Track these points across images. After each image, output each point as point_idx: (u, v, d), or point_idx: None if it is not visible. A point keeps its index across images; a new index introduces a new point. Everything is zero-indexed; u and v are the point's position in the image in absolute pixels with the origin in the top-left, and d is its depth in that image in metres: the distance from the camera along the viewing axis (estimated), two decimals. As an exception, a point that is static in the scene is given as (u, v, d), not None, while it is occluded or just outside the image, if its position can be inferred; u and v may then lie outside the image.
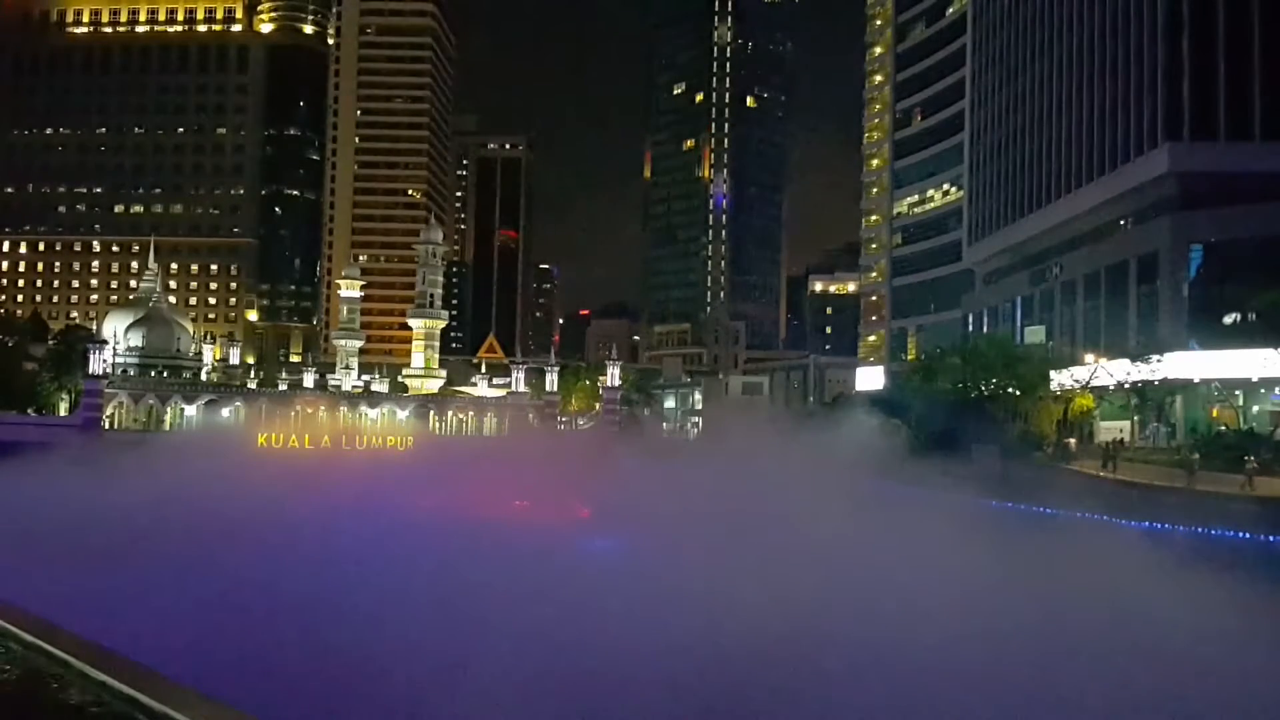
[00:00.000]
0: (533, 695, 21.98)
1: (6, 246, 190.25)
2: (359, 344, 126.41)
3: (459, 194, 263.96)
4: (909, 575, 31.67)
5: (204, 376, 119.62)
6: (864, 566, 32.28)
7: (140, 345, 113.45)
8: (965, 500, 47.03)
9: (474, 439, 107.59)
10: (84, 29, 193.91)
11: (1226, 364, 60.97)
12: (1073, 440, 63.16)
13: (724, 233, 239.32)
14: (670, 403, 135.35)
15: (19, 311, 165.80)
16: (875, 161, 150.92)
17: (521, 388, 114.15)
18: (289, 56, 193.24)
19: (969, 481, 48.13)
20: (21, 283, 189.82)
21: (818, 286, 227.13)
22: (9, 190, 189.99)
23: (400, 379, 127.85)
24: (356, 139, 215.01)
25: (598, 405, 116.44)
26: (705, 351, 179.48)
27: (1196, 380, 62.63)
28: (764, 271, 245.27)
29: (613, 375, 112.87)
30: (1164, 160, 73.84)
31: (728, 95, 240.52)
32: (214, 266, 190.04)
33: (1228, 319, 66.85)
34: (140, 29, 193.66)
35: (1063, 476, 51.37)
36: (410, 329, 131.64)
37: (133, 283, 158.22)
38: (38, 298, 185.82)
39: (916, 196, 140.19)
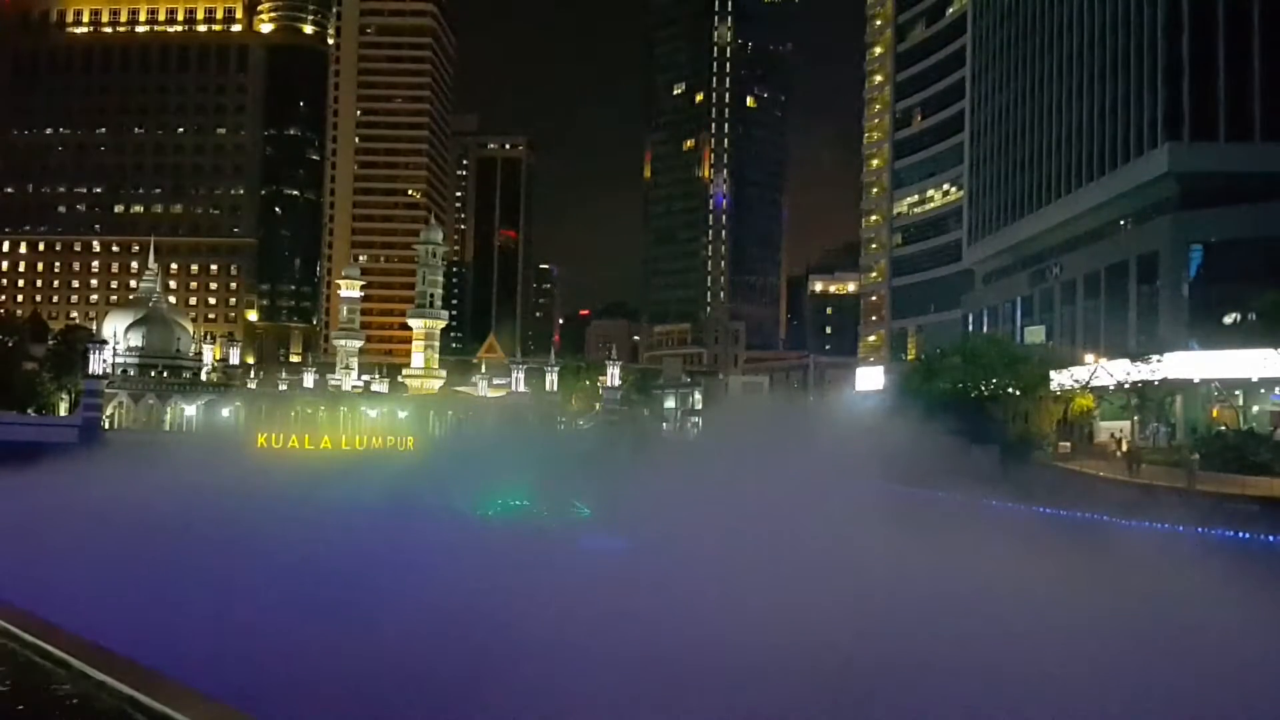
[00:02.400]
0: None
1: (6, 246, 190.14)
2: (359, 344, 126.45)
3: (459, 194, 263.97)
4: (945, 579, 31.29)
5: (204, 376, 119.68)
6: (908, 577, 31.81)
7: (140, 345, 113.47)
8: (976, 502, 47.02)
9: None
10: (84, 29, 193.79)
11: (1226, 364, 60.88)
12: (1122, 439, 61.50)
13: (724, 233, 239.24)
14: (670, 403, 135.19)
15: (19, 311, 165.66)
16: (875, 161, 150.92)
17: (521, 388, 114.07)
18: (289, 56, 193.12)
19: (976, 483, 47.98)
20: (21, 283, 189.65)
21: (818, 286, 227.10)
22: (9, 190, 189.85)
23: (400, 379, 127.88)
24: (356, 139, 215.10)
25: (598, 405, 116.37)
26: (705, 351, 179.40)
27: (1196, 380, 62.56)
28: (764, 271, 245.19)
29: (613, 375, 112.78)
30: (1164, 160, 73.85)
31: (728, 95, 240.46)
32: (214, 266, 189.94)
33: (1228, 319, 66.82)
34: (140, 29, 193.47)
35: (1072, 478, 51.25)
36: (410, 329, 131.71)
37: (133, 283, 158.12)
38: (38, 298, 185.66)
39: (916, 196, 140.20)
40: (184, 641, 22.23)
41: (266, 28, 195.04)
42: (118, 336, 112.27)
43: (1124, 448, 57.83)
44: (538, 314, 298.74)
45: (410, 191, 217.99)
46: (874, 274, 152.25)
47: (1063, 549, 35.69)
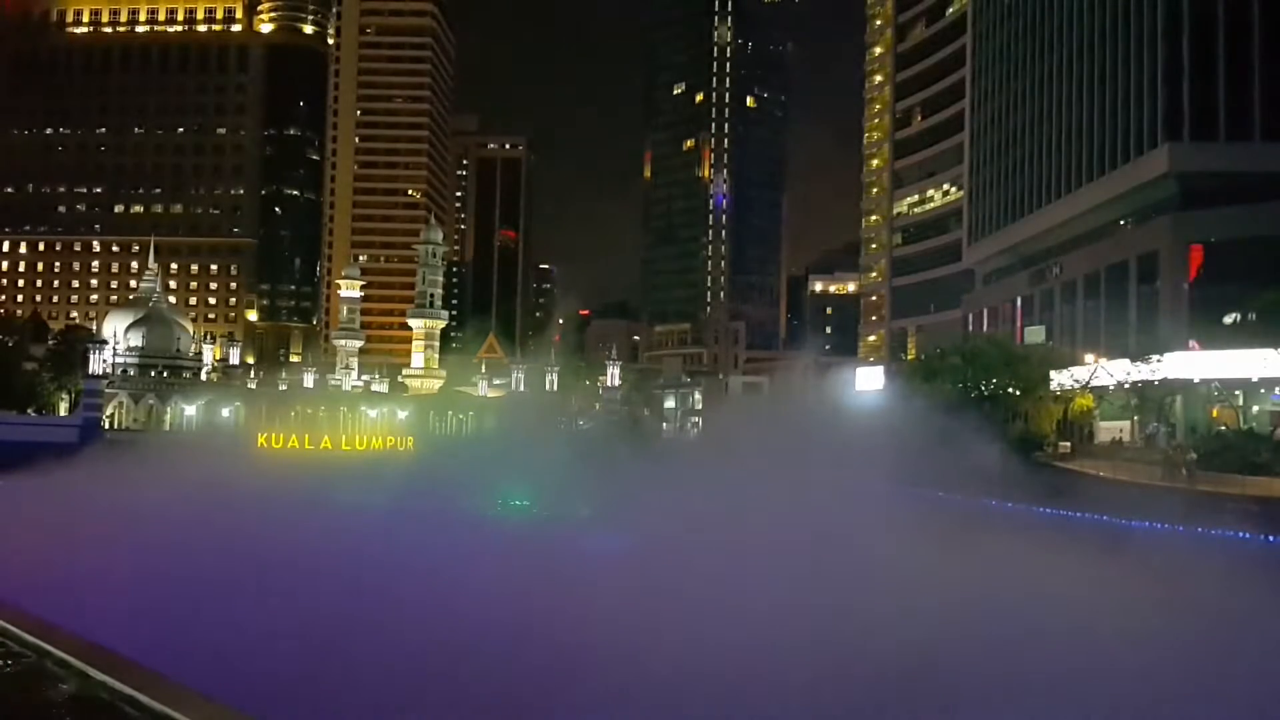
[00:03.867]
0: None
1: (6, 246, 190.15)
2: (359, 344, 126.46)
3: (459, 194, 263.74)
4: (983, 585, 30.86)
5: (204, 376, 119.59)
6: (929, 579, 31.32)
7: (140, 345, 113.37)
8: (978, 502, 46.92)
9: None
10: (84, 29, 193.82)
11: (1226, 364, 60.94)
12: (1175, 444, 59.11)
13: (724, 233, 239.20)
14: (670, 403, 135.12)
15: (19, 311, 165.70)
16: (875, 161, 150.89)
17: (522, 388, 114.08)
18: (289, 56, 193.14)
19: (977, 483, 47.83)
20: (21, 283, 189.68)
21: (818, 286, 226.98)
22: (9, 190, 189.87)
23: (400, 379, 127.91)
24: (356, 139, 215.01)
25: (598, 405, 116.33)
26: (705, 351, 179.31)
27: (1196, 380, 62.60)
28: (764, 271, 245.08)
29: (613, 375, 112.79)
30: (1164, 160, 73.85)
31: (728, 95, 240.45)
32: (214, 266, 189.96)
33: (1228, 319, 66.81)
34: (140, 29, 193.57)
35: (1075, 479, 51.10)
36: (410, 329, 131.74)
37: (133, 283, 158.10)
38: (38, 298, 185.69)
39: (916, 196, 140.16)
40: (219, 656, 22.04)
41: (266, 28, 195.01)
42: (118, 336, 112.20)
43: (1172, 450, 54.97)
44: (538, 314, 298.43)
45: (410, 191, 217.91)
46: (874, 274, 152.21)
47: (1072, 550, 35.51)
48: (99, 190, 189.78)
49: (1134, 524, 39.44)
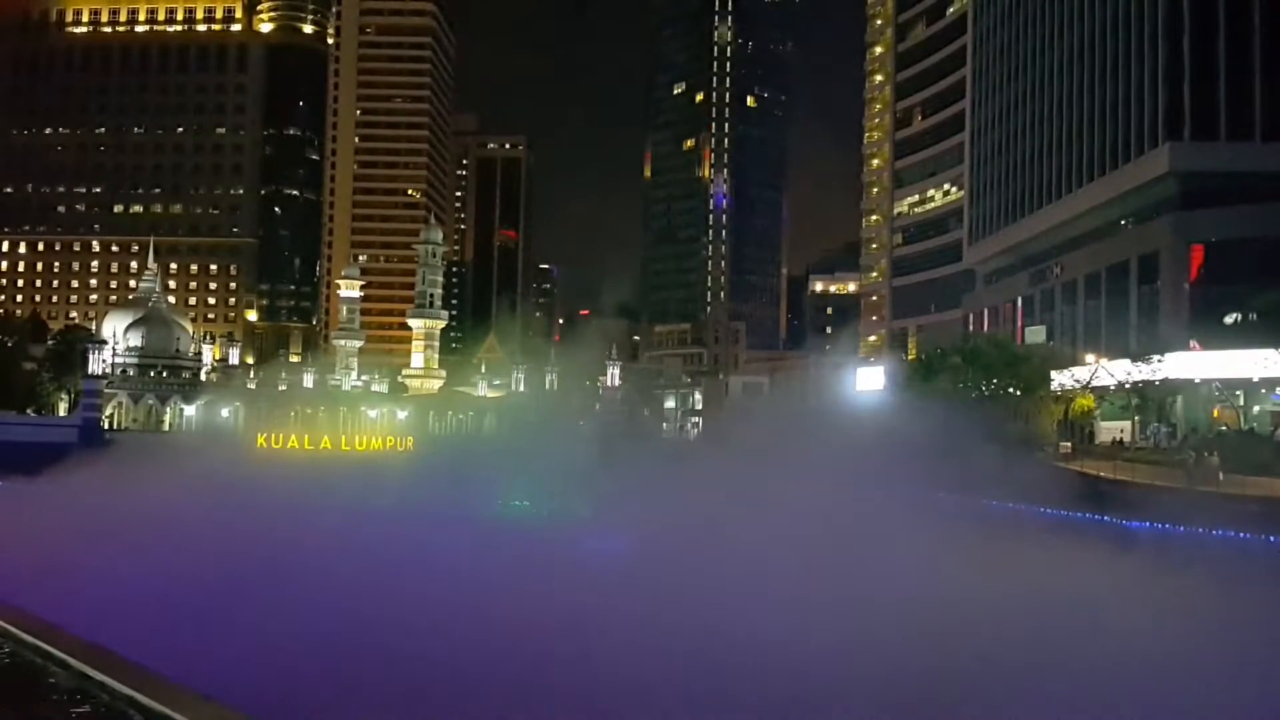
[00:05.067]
0: None
1: (6, 246, 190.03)
2: (359, 344, 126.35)
3: (459, 194, 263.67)
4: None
5: (203, 377, 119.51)
6: (939, 581, 31.00)
7: (140, 345, 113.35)
8: (978, 503, 46.82)
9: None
10: (84, 29, 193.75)
11: (1227, 364, 60.88)
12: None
13: (724, 233, 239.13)
14: (670, 403, 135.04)
15: (19, 311, 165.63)
16: (875, 161, 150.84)
17: (522, 388, 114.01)
18: (289, 56, 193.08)
19: (979, 483, 47.67)
20: (21, 283, 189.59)
21: (818, 286, 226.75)
22: (9, 190, 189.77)
23: (400, 379, 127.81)
24: (356, 139, 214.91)
25: (598, 405, 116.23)
26: (705, 351, 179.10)
27: (1197, 380, 62.54)
28: (764, 271, 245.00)
29: (613, 375, 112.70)
30: (1164, 160, 73.79)
31: (728, 95, 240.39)
32: (214, 266, 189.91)
33: (1228, 319, 66.76)
34: (140, 29, 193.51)
35: (1078, 480, 50.85)
36: (410, 329, 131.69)
37: (133, 283, 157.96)
38: (38, 298, 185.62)
39: (917, 196, 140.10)
40: (222, 656, 22.00)
41: (266, 27, 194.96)
42: (117, 336, 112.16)
43: (1205, 455, 52.23)
44: (538, 314, 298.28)
45: (410, 191, 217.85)
46: (874, 274, 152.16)
47: (1074, 550, 35.33)
48: (98, 190, 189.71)
49: (1133, 524, 39.25)
